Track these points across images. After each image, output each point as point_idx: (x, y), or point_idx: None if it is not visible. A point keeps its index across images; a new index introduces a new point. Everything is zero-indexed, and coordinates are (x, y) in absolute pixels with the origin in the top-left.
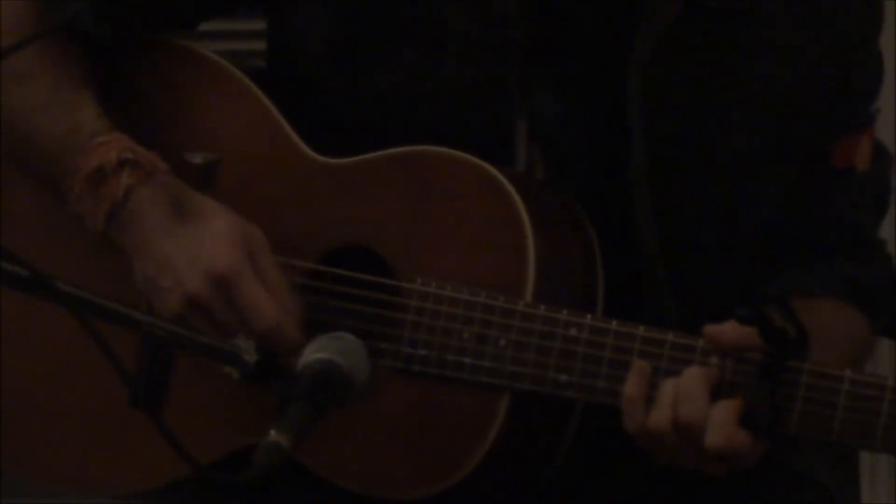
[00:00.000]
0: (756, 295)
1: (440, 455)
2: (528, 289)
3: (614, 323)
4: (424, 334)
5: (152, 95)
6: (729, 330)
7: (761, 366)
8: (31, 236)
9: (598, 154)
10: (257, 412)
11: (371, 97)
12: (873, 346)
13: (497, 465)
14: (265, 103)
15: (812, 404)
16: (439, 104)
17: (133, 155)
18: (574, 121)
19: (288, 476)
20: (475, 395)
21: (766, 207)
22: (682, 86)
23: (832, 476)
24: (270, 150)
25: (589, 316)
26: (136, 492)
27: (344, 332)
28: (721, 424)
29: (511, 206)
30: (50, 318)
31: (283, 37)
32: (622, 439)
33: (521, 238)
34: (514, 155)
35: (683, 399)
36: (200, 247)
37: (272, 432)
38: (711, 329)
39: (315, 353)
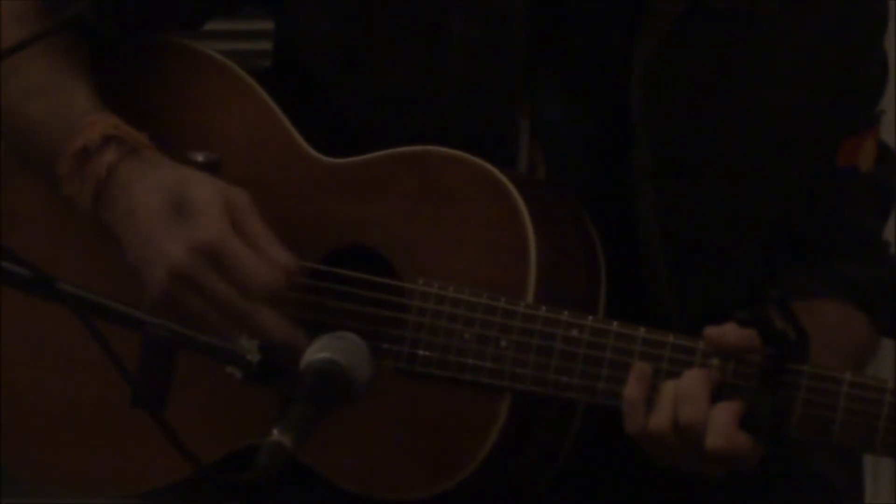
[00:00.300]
0: (756, 296)
1: (441, 455)
2: (529, 290)
3: (615, 324)
4: (426, 335)
5: (156, 95)
6: (729, 332)
7: (761, 368)
8: (32, 236)
9: (601, 154)
10: (259, 412)
11: (374, 97)
12: (876, 348)
13: (498, 466)
14: (269, 103)
15: (812, 406)
16: (442, 104)
17: (117, 131)
18: (576, 121)
19: (290, 476)
20: (476, 396)
21: (769, 208)
22: (685, 86)
23: (838, 472)
24: (274, 150)
25: (590, 317)
26: (137, 492)
27: (346, 332)
28: (721, 426)
29: (513, 207)
30: (51, 318)
31: (287, 36)
32: (623, 440)
33: (522, 239)
34: (516, 155)
35: (684, 400)
36: (184, 217)
37: (274, 432)
38: (712, 331)
39: (317, 352)
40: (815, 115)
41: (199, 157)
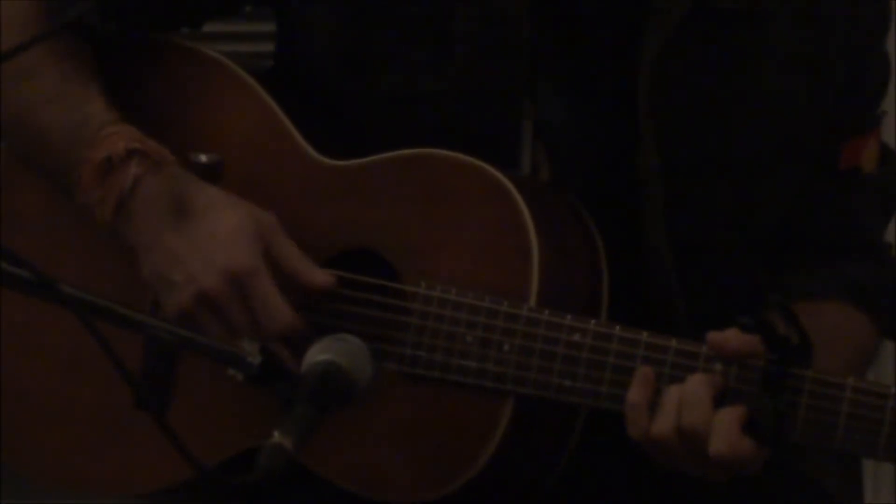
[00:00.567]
0: (761, 299)
1: (443, 459)
2: (532, 293)
3: (618, 328)
4: (428, 338)
5: (158, 96)
6: (732, 337)
7: (764, 373)
8: (34, 238)
9: (604, 156)
10: (261, 414)
11: (377, 98)
12: (878, 349)
13: (501, 470)
14: (270, 105)
15: (815, 412)
16: (445, 104)
17: (141, 145)
18: (580, 122)
19: (291, 478)
20: (479, 400)
21: (773, 209)
22: (690, 87)
23: (837, 479)
24: (275, 152)
25: (593, 321)
26: (139, 494)
27: (348, 334)
28: (725, 432)
29: (516, 210)
30: (53, 320)
31: (290, 38)
32: (625, 444)
33: (525, 242)
34: (519, 156)
35: (687, 406)
36: (215, 242)
37: (276, 434)
38: (715, 336)
39: (318, 354)
40: (819, 116)
41: (202, 158)
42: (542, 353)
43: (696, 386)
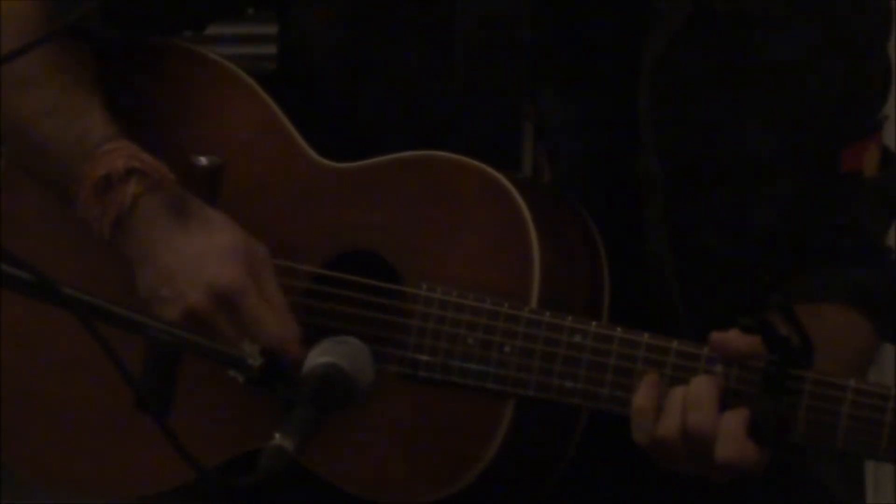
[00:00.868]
0: (760, 304)
1: (445, 461)
2: (533, 295)
3: (619, 330)
4: (430, 340)
5: (160, 98)
6: (734, 338)
7: (765, 374)
8: (35, 240)
9: (606, 158)
10: (262, 416)
11: (378, 101)
12: (878, 353)
13: (501, 471)
14: (272, 107)
15: (816, 413)
16: (446, 107)
17: (140, 164)
18: (581, 125)
19: (293, 480)
20: (480, 401)
21: (774, 213)
22: (690, 90)
23: (838, 479)
24: (277, 154)
25: (594, 323)
26: (139, 496)
27: (349, 336)
28: (731, 436)
29: (517, 212)
30: (54, 322)
31: (292, 40)
32: (626, 446)
33: (526, 244)
34: (520, 158)
35: (693, 407)
36: (204, 259)
37: (277, 436)
38: (717, 336)
39: (319, 356)
40: (820, 120)
41: (202, 161)
42: (543, 354)
43: (702, 387)
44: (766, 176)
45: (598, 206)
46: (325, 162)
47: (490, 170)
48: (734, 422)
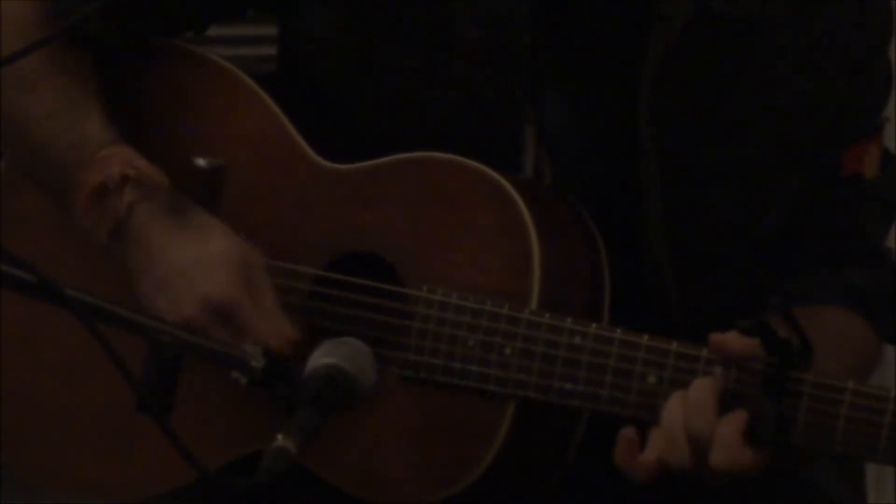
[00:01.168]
0: (759, 305)
1: (445, 462)
2: (533, 296)
3: (619, 332)
4: (430, 342)
5: (160, 100)
6: (733, 340)
7: (764, 376)
8: (36, 241)
9: (606, 161)
10: (264, 417)
11: (379, 103)
12: (879, 354)
13: (502, 473)
14: (273, 109)
15: (815, 415)
16: (447, 109)
17: (135, 172)
18: (582, 127)
19: (294, 481)
20: (480, 403)
21: (774, 215)
22: (692, 93)
23: (838, 484)
24: (277, 156)
25: (594, 325)
26: (141, 497)
27: (350, 337)
28: (726, 442)
29: (517, 213)
30: (55, 323)
31: (292, 42)
32: None
33: (526, 246)
34: (521, 161)
35: (692, 410)
36: (198, 270)
37: (279, 437)
38: (716, 338)
39: (321, 358)
40: (820, 122)
41: (203, 163)
42: (543, 356)
43: (701, 392)
44: (765, 178)
45: (599, 207)
46: (326, 163)
47: (490, 171)
48: (730, 429)
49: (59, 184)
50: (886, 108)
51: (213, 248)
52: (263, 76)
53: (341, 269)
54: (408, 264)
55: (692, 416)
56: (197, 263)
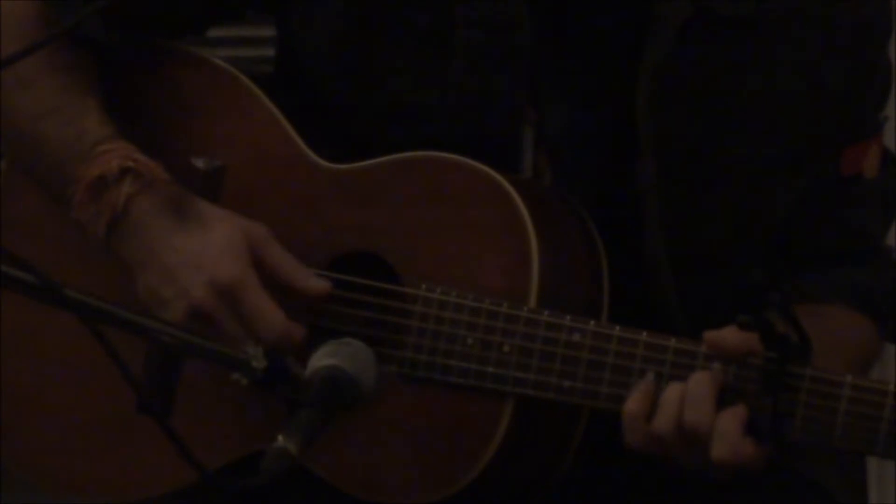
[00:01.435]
0: (758, 303)
1: (445, 460)
2: (531, 295)
3: (617, 329)
4: (429, 340)
5: (159, 102)
6: (728, 335)
7: (763, 372)
8: (37, 242)
9: (605, 162)
10: (265, 418)
11: (378, 106)
12: (879, 353)
13: (501, 471)
14: (272, 110)
15: (814, 410)
16: (447, 111)
17: (134, 164)
18: (581, 128)
19: (295, 482)
20: (480, 401)
21: (773, 216)
22: (691, 93)
23: (840, 481)
24: (277, 157)
25: (592, 322)
26: (142, 497)
27: (351, 337)
28: (727, 436)
29: (515, 212)
30: (56, 323)
31: (291, 44)
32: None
33: (525, 244)
34: (520, 162)
35: (690, 404)
36: (203, 256)
37: (280, 438)
38: (711, 335)
39: (323, 359)
40: (820, 122)
41: (201, 164)
42: (541, 353)
43: (699, 384)
44: (764, 178)
45: (598, 207)
46: (325, 164)
47: (489, 170)
48: (730, 421)
49: (57, 180)
50: (886, 108)
51: (217, 234)
52: (262, 77)
53: (341, 268)
54: (407, 263)
55: (689, 408)
56: (201, 250)
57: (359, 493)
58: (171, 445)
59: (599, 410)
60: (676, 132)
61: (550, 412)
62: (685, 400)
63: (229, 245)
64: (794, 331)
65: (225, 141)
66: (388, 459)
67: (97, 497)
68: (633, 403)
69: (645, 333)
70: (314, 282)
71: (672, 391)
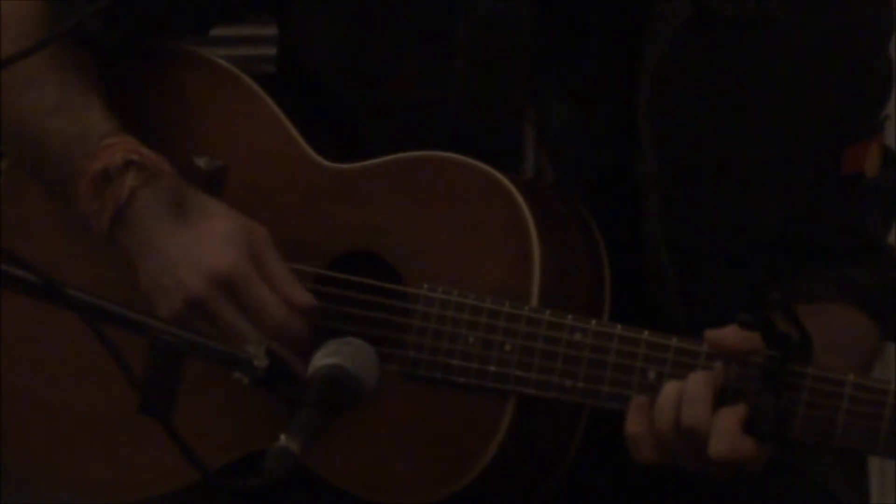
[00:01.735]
0: (760, 302)
1: (446, 459)
2: (533, 294)
3: (619, 328)
4: (430, 339)
5: (161, 101)
6: (729, 334)
7: (764, 370)
8: (39, 242)
9: (606, 160)
10: (267, 418)
11: (380, 103)
12: (880, 351)
13: (503, 470)
14: (273, 109)
15: (815, 409)
16: (448, 111)
17: (138, 157)
18: (582, 127)
19: (296, 481)
20: (481, 400)
21: (774, 214)
22: (691, 92)
23: (841, 480)
24: (278, 156)
25: (594, 321)
26: (144, 497)
27: (352, 337)
28: (725, 432)
29: (517, 211)
30: (57, 323)
31: (292, 43)
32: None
33: (526, 243)
34: (522, 161)
35: (687, 403)
36: (202, 248)
37: (282, 437)
38: (712, 333)
39: (324, 358)
40: (821, 121)
41: (203, 163)
42: (543, 352)
43: (696, 384)
44: (766, 177)
45: (599, 206)
46: (326, 163)
47: (490, 169)
48: (729, 419)
49: (61, 176)
50: (887, 107)
51: (218, 228)
52: (264, 77)
53: (342, 267)
54: (408, 262)
55: (687, 408)
56: (202, 242)
57: (360, 492)
58: (173, 445)
59: (601, 410)
60: (677, 131)
61: (552, 411)
62: (683, 400)
63: (230, 238)
64: (795, 330)
65: (227, 140)
66: (389, 459)
67: (97, 497)
68: (633, 426)
69: (646, 333)
70: (300, 295)
71: (670, 389)
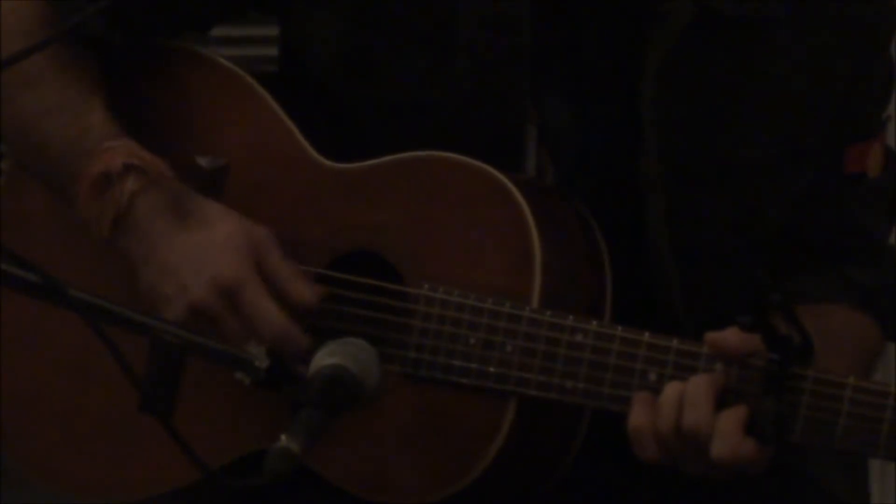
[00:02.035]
0: (760, 302)
1: (447, 460)
2: (534, 294)
3: (619, 329)
4: (431, 339)
5: (163, 101)
6: (730, 336)
7: (765, 372)
8: (40, 242)
9: (608, 160)
10: (268, 417)
11: (381, 103)
12: (882, 352)
13: (504, 471)
14: (275, 109)
15: (816, 411)
16: (449, 110)
17: (139, 161)
18: (584, 126)
19: (297, 481)
20: (482, 401)
21: (776, 214)
22: (694, 92)
23: (843, 482)
24: (280, 156)
25: (594, 322)
26: (144, 496)
27: (353, 337)
28: (726, 434)
29: (518, 211)
30: (58, 323)
31: (294, 42)
32: (628, 444)
33: (527, 244)
34: (523, 160)
35: (688, 406)
36: (205, 254)
37: (283, 437)
38: (713, 335)
39: (326, 358)
40: (823, 121)
41: (205, 162)
42: (544, 353)
43: (698, 386)
44: (768, 177)
45: (601, 206)
46: (328, 163)
47: (492, 170)
48: (730, 420)
49: (61, 178)
50: (888, 107)
51: (219, 232)
52: (265, 76)
53: (343, 267)
54: (409, 263)
55: (688, 411)
56: (203, 247)
57: (361, 492)
58: (174, 444)
59: (601, 411)
60: (680, 131)
61: (552, 412)
62: (684, 402)
63: (231, 244)
64: (796, 332)
65: (228, 140)
66: (390, 459)
67: (98, 496)
68: (636, 419)
69: (647, 334)
70: (306, 291)
71: (671, 391)
